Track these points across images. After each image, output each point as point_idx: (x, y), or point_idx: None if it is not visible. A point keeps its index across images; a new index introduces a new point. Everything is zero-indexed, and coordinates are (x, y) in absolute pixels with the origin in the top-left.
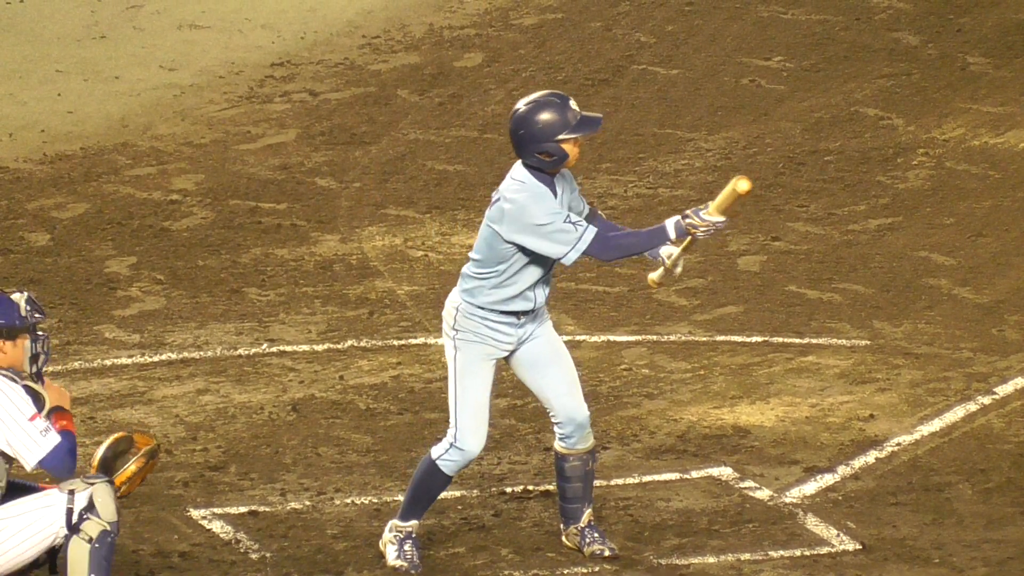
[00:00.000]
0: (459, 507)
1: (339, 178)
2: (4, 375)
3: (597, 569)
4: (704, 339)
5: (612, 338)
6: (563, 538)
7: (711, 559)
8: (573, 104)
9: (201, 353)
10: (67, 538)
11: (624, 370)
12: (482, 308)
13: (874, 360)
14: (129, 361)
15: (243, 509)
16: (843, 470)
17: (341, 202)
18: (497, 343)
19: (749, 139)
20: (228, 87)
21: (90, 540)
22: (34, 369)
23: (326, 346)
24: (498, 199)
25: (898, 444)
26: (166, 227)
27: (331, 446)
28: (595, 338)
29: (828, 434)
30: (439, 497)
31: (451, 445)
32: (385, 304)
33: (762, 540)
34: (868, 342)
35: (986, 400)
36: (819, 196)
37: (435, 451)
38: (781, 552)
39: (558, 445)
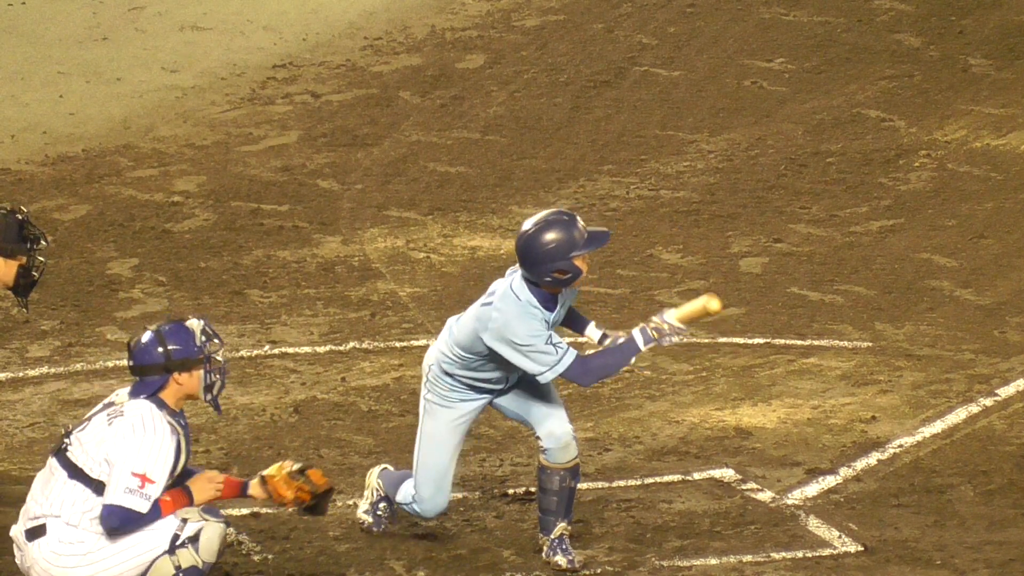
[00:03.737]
0: (461, 508)
1: (341, 180)
2: (170, 422)
3: (599, 572)
4: (706, 341)
5: None
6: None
7: (713, 561)
8: (580, 222)
9: None
10: (160, 555)
11: (626, 372)
12: (456, 375)
13: (876, 362)
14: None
15: (245, 511)
16: (845, 472)
17: (343, 204)
18: (467, 405)
19: (751, 141)
20: (230, 89)
21: (178, 568)
22: (208, 397)
23: (328, 348)
24: (490, 302)
25: (900, 446)
26: (168, 229)
27: (333, 448)
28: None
29: (830, 436)
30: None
31: (412, 500)
32: (387, 306)
33: (764, 542)
34: (870, 344)
35: (988, 402)
36: (821, 198)
37: (399, 496)
38: (783, 554)
39: (540, 457)
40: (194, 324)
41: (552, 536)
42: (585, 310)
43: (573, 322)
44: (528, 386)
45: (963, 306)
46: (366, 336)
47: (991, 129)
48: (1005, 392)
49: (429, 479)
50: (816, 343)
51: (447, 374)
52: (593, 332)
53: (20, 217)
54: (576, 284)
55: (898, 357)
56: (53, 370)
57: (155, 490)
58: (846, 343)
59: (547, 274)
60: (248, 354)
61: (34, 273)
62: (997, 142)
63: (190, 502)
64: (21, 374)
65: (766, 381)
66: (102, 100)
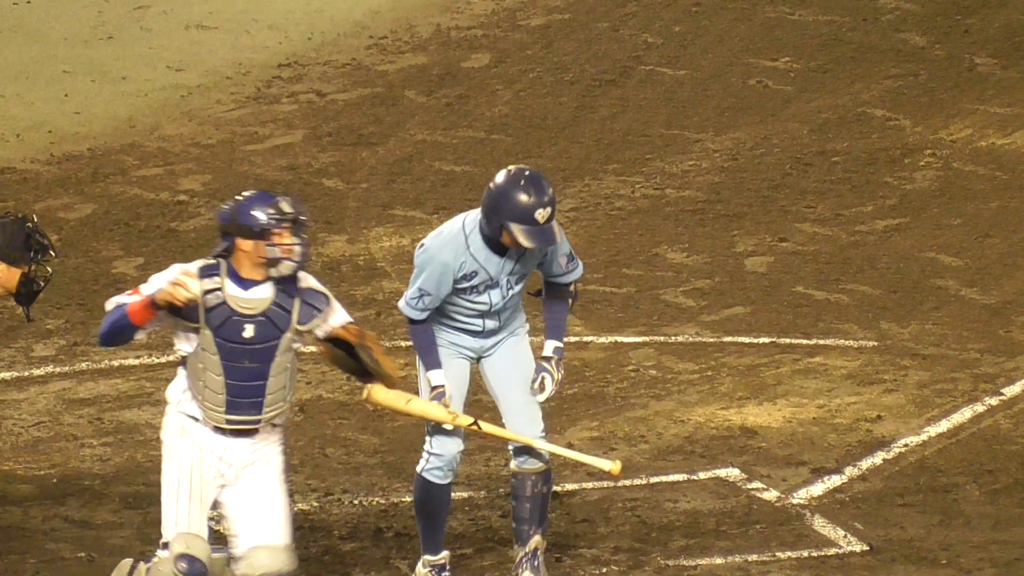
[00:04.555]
0: (467, 508)
1: (346, 179)
2: (185, 266)
3: (605, 571)
4: (711, 340)
5: (619, 339)
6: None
7: (718, 560)
8: (538, 213)
9: None
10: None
11: (631, 371)
12: (439, 319)
13: (881, 361)
14: (136, 362)
15: None
16: (850, 471)
17: (348, 203)
18: (458, 347)
19: (756, 140)
20: (235, 88)
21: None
22: (275, 274)
23: None
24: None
25: (905, 445)
26: (173, 228)
27: (338, 447)
28: (602, 339)
29: (835, 435)
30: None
31: (428, 453)
32: (392, 305)
33: (769, 541)
34: (875, 343)
35: (993, 401)
36: (826, 197)
37: (418, 467)
38: (788, 553)
39: (512, 463)
40: (282, 199)
41: (527, 549)
42: (590, 309)
43: (547, 322)
44: (510, 374)
45: (968, 305)
46: None
47: (996, 128)
48: (1010, 391)
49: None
50: (821, 342)
51: (438, 312)
52: (547, 348)
53: (29, 226)
54: (516, 247)
55: (903, 356)
56: (58, 369)
57: (129, 298)
58: (851, 342)
59: (491, 224)
60: None
61: (39, 283)
62: (1002, 141)
63: (150, 300)
64: (26, 373)
65: (771, 380)
66: (107, 99)
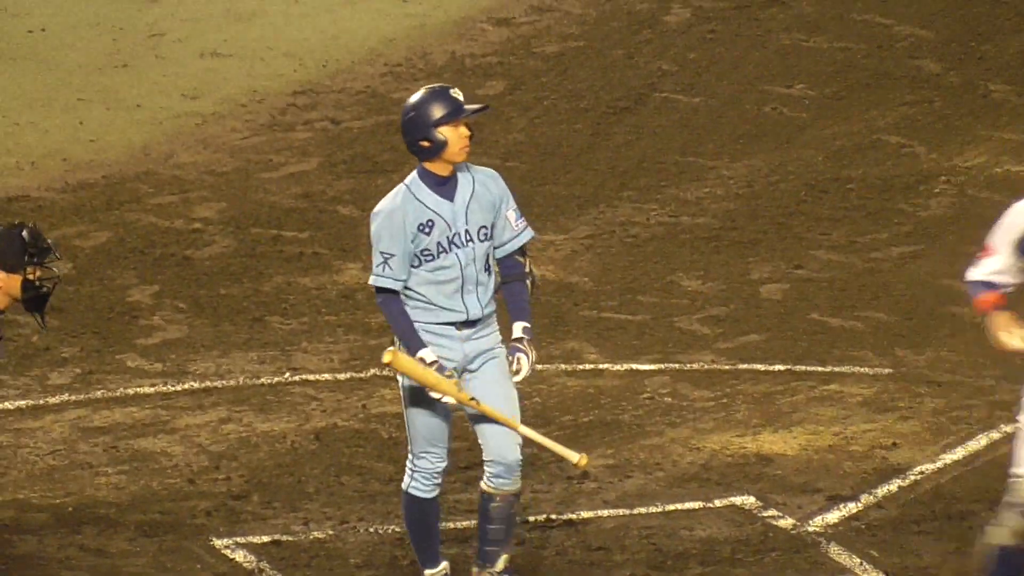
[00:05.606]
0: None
1: (361, 206)
2: None
3: None
4: (727, 367)
5: (635, 366)
6: None
7: None
8: (451, 93)
9: (224, 382)
10: None
11: (647, 398)
12: (420, 322)
13: (897, 388)
14: (152, 390)
15: (266, 538)
16: (866, 498)
17: (363, 230)
18: (442, 360)
19: (771, 167)
20: (250, 115)
21: None
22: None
23: (348, 375)
24: None
25: (921, 472)
26: (188, 256)
27: (354, 475)
28: (617, 366)
29: (851, 462)
30: (460, 526)
31: (411, 470)
32: None
33: (785, 569)
34: (891, 370)
35: (1009, 428)
36: (841, 224)
37: (403, 484)
38: None
39: (484, 483)
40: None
41: (497, 569)
42: (606, 336)
43: (510, 305)
44: (493, 391)
45: (984, 332)
46: None
47: (1011, 155)
48: None
49: (420, 436)
50: (837, 369)
51: (417, 309)
52: (516, 330)
53: (27, 232)
54: (448, 155)
55: (919, 383)
56: (74, 397)
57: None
58: (867, 369)
59: (414, 144)
60: (268, 381)
61: (44, 286)
62: (1017, 168)
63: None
64: (42, 401)
65: (787, 408)
66: (122, 127)
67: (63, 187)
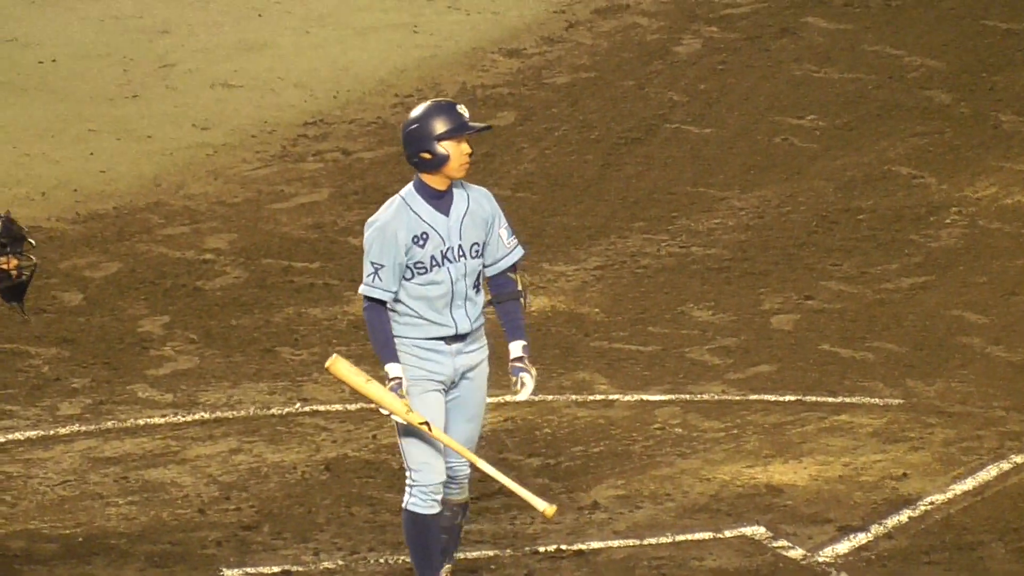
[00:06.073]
0: (492, 567)
1: None
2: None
3: None
4: (737, 398)
5: (645, 397)
6: None
7: None
8: (457, 110)
9: (234, 412)
10: None
11: (657, 429)
12: (410, 339)
13: (907, 419)
14: (162, 420)
15: (276, 568)
16: (876, 529)
17: None
18: (430, 374)
19: (782, 198)
20: (261, 146)
21: None
22: None
23: (359, 406)
24: None
25: (931, 503)
26: (199, 286)
27: (364, 505)
28: (628, 397)
29: (861, 493)
30: (472, 556)
31: (410, 487)
32: None
33: None
34: (901, 401)
35: (1019, 459)
36: (852, 255)
37: (403, 502)
38: None
39: None
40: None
41: None
42: (617, 366)
43: (505, 324)
44: (466, 411)
45: (994, 363)
46: None
47: (1022, 186)
48: None
49: (415, 451)
50: (847, 400)
51: (405, 340)
52: (514, 349)
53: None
54: (448, 170)
55: (929, 414)
56: (84, 428)
57: None
58: (877, 400)
59: (415, 156)
60: (279, 412)
61: (23, 275)
62: None
63: None
64: (52, 432)
65: (797, 438)
66: (133, 157)
67: (74, 218)
